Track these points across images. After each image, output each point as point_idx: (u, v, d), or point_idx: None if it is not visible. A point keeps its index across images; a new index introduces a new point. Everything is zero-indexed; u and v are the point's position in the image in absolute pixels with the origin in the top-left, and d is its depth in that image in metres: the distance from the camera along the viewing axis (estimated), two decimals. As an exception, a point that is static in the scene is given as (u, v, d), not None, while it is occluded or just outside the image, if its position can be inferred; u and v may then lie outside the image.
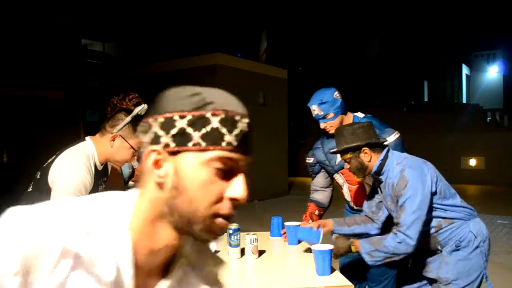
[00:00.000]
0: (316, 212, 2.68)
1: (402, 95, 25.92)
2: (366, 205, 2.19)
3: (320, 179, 2.70)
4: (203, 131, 0.61)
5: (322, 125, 2.45)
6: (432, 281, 2.08)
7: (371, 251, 1.92)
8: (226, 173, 0.63)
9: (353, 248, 2.00)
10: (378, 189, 2.10)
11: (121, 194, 0.68)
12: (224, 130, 0.61)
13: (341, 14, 31.92)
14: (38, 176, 1.77)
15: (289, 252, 2.26)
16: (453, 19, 35.31)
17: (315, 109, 2.41)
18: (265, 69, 11.85)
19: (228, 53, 11.04)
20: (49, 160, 1.80)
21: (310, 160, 2.70)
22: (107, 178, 2.01)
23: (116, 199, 0.67)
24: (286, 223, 2.39)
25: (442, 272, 1.98)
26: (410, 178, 1.89)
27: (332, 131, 2.42)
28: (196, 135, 0.61)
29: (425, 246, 2.08)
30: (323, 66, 28.76)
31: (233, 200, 0.64)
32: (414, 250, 1.90)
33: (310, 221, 2.62)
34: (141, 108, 1.84)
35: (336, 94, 2.42)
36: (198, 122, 0.61)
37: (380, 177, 2.04)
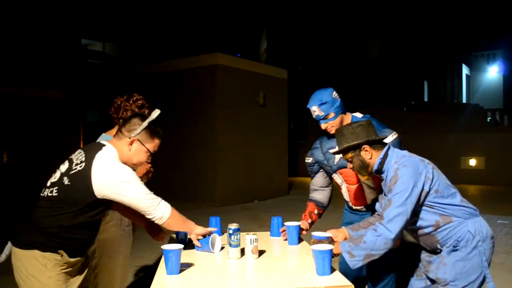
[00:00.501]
0: (315, 211, 2.68)
1: (402, 95, 25.95)
2: (377, 204, 2.17)
3: (319, 179, 2.70)
4: None
5: (323, 126, 2.45)
6: (432, 281, 2.08)
7: (351, 249, 1.91)
8: None
9: (333, 249, 1.98)
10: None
11: None
12: None
13: (341, 14, 31.92)
14: (66, 182, 1.78)
15: (289, 252, 2.26)
16: (453, 19, 35.32)
17: (316, 110, 2.41)
18: (265, 69, 11.85)
19: (228, 53, 11.03)
20: (78, 168, 1.79)
21: (309, 160, 2.71)
22: None
23: None
24: (286, 223, 2.39)
25: (440, 273, 1.98)
26: (402, 175, 1.90)
27: (333, 131, 2.43)
28: None
29: (425, 245, 2.09)
30: (323, 66, 28.76)
31: None
32: (393, 246, 1.89)
33: (310, 220, 2.63)
34: (156, 114, 1.94)
35: (335, 93, 2.42)
36: None
37: (382, 175, 2.05)
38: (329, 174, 2.65)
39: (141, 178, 2.44)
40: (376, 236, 1.88)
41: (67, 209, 1.77)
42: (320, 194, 2.71)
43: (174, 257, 1.79)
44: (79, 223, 1.80)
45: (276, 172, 11.85)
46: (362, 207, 2.60)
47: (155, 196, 1.87)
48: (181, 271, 1.83)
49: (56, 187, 1.80)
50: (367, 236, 1.90)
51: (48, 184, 1.85)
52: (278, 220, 2.57)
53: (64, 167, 1.86)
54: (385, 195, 2.06)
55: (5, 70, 8.69)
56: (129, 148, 1.89)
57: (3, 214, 6.92)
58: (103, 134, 2.48)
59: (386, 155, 2.02)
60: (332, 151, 2.27)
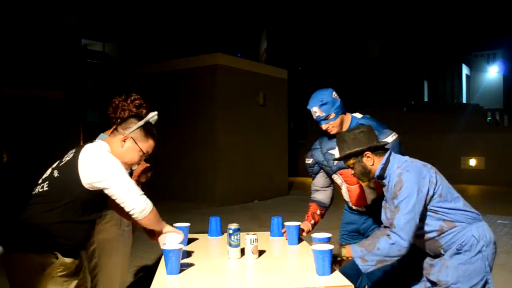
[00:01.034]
0: (318, 212, 2.68)
1: (402, 95, 25.95)
2: (383, 215, 2.12)
3: (320, 179, 2.70)
4: None
5: (324, 126, 2.44)
6: (432, 283, 2.07)
7: (364, 255, 1.90)
8: None
9: (343, 252, 1.97)
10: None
11: None
12: None
13: (341, 14, 31.91)
14: (56, 174, 1.78)
15: (289, 252, 2.26)
16: (453, 19, 35.31)
17: (317, 111, 2.40)
18: (265, 69, 11.85)
19: (228, 53, 11.03)
20: (67, 159, 1.81)
21: (309, 160, 2.71)
22: None
23: None
24: (286, 223, 2.39)
25: (442, 275, 1.97)
26: (407, 180, 1.89)
27: (334, 131, 2.42)
28: None
29: (428, 251, 2.07)
30: (323, 66, 28.74)
31: None
32: (407, 252, 1.88)
33: (313, 221, 2.63)
34: (153, 115, 1.94)
35: (334, 94, 2.42)
36: None
37: (383, 181, 2.04)
38: (329, 175, 2.65)
39: (140, 177, 2.43)
40: (391, 244, 1.87)
41: (58, 202, 1.73)
42: (321, 194, 2.71)
43: (174, 257, 1.79)
44: (72, 220, 1.76)
45: (276, 172, 11.85)
46: (362, 207, 2.60)
47: (140, 190, 1.82)
48: (181, 271, 1.83)
49: (47, 182, 1.79)
50: (380, 243, 1.89)
51: (40, 181, 1.83)
52: (278, 220, 2.57)
53: (55, 164, 1.86)
54: (387, 201, 2.05)
55: (5, 70, 8.69)
56: (121, 144, 1.86)
57: (3, 214, 6.92)
58: (102, 134, 2.47)
59: (388, 160, 2.01)
60: (334, 158, 2.26)
